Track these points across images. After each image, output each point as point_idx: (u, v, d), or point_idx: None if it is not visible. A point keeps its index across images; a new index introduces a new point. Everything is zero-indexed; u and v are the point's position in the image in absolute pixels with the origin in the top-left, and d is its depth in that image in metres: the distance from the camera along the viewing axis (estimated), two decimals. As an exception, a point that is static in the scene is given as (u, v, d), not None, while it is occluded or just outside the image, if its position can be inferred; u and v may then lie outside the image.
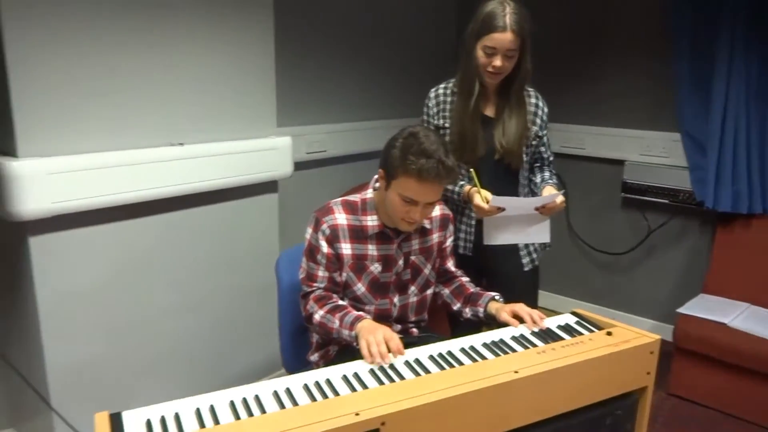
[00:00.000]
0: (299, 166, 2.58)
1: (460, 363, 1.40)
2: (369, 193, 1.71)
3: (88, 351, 1.91)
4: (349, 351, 1.55)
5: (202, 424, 1.14)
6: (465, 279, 1.83)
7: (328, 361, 1.69)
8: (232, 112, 2.19)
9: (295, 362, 1.83)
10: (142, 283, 2.02)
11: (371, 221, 1.68)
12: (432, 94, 2.03)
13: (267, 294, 2.40)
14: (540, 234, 1.95)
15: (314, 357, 1.75)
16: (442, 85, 2.03)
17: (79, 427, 1.89)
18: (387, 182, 1.58)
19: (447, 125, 1.97)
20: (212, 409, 1.19)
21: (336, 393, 1.26)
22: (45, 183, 1.69)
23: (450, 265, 1.85)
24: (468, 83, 1.91)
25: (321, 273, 1.65)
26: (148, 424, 1.14)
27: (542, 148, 2.04)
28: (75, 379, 1.88)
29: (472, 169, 1.84)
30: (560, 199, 1.89)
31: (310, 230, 1.69)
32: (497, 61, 1.82)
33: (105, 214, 1.86)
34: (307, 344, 1.80)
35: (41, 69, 1.68)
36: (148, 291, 2.04)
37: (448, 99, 1.99)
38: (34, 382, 1.86)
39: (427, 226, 1.75)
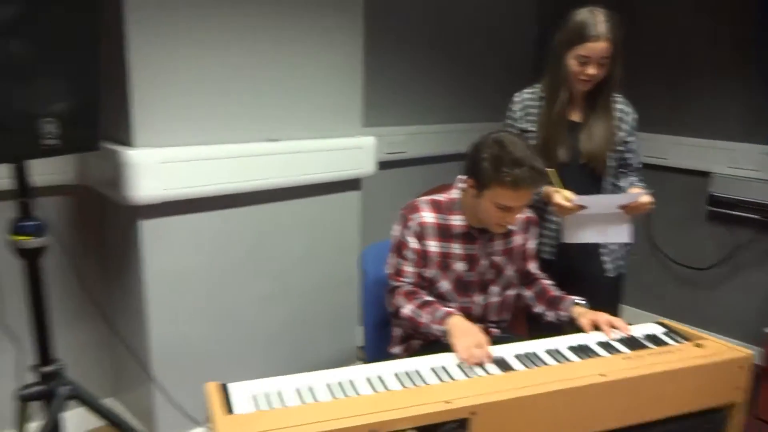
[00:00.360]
0: (378, 165, 2.65)
1: (545, 363, 1.42)
2: (455, 194, 1.75)
3: (186, 329, 2.05)
4: (434, 346, 1.59)
5: (302, 401, 1.22)
6: (547, 282, 1.85)
7: (410, 354, 1.75)
8: (322, 112, 2.29)
9: (376, 354, 1.89)
10: (236, 269, 2.15)
11: (457, 221, 1.72)
12: (517, 99, 2.06)
13: (346, 288, 2.50)
14: (621, 233, 1.94)
15: (396, 350, 1.81)
16: (528, 90, 2.05)
17: (176, 400, 2.03)
18: (478, 191, 1.62)
19: (532, 129, 1.99)
20: (310, 389, 1.27)
21: (424, 382, 1.31)
22: (157, 171, 1.83)
23: (532, 267, 1.87)
24: (556, 89, 1.93)
25: (408, 268, 1.71)
26: (255, 396, 1.22)
27: (629, 155, 2.02)
28: (175, 354, 2.03)
29: (551, 169, 1.84)
30: (646, 198, 1.86)
31: (397, 227, 1.75)
32: (591, 69, 1.83)
33: (207, 203, 2.00)
34: (387, 337, 1.87)
35: (158, 68, 1.83)
36: (241, 277, 2.17)
37: (535, 104, 2.01)
38: (138, 355, 2.02)
39: (511, 227, 1.78)
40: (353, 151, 2.40)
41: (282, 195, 2.22)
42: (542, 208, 2.00)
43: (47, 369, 1.62)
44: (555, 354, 1.47)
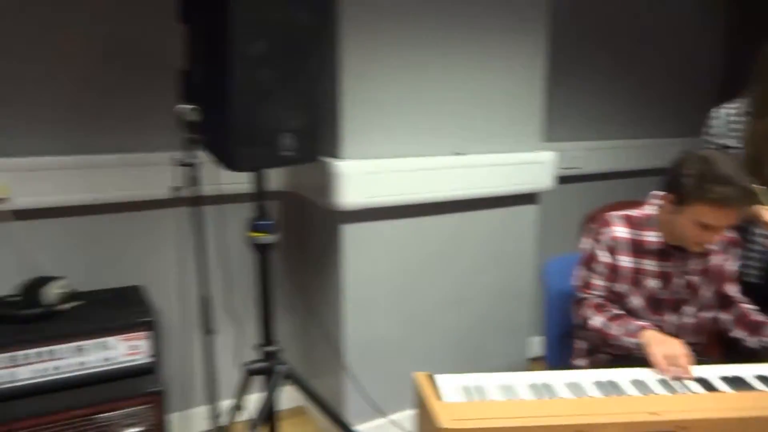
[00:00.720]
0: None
1: (754, 388, 1.36)
2: (649, 209, 1.74)
3: (377, 325, 2.24)
4: (623, 361, 1.59)
5: (505, 397, 1.31)
6: (748, 306, 1.75)
7: (595, 368, 1.75)
8: (504, 127, 2.38)
9: (558, 365, 1.92)
10: (422, 274, 2.30)
11: (653, 237, 1.70)
12: (715, 114, 1.98)
13: (521, 300, 2.54)
14: None
15: (581, 362, 1.82)
16: (729, 105, 1.97)
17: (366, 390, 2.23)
18: (677, 207, 1.60)
19: (737, 145, 1.91)
20: (512, 387, 1.35)
21: (624, 393, 1.33)
22: (360, 181, 2.05)
23: (731, 290, 1.78)
24: (767, 101, 1.84)
25: (597, 282, 1.73)
26: (460, 388, 1.33)
27: None
28: (365, 347, 2.23)
29: (762, 187, 1.74)
30: None
31: (587, 240, 1.78)
32: (811, 80, 1.72)
33: (399, 211, 2.18)
34: (568, 349, 1.89)
35: (364, 90, 2.05)
36: (426, 282, 2.32)
37: (740, 119, 1.92)
38: (334, 345, 2.25)
39: (710, 247, 1.72)
40: (533, 166, 2.45)
41: (465, 206, 2.34)
42: (747, 229, 1.90)
43: (269, 348, 1.89)
44: (766, 381, 1.40)
